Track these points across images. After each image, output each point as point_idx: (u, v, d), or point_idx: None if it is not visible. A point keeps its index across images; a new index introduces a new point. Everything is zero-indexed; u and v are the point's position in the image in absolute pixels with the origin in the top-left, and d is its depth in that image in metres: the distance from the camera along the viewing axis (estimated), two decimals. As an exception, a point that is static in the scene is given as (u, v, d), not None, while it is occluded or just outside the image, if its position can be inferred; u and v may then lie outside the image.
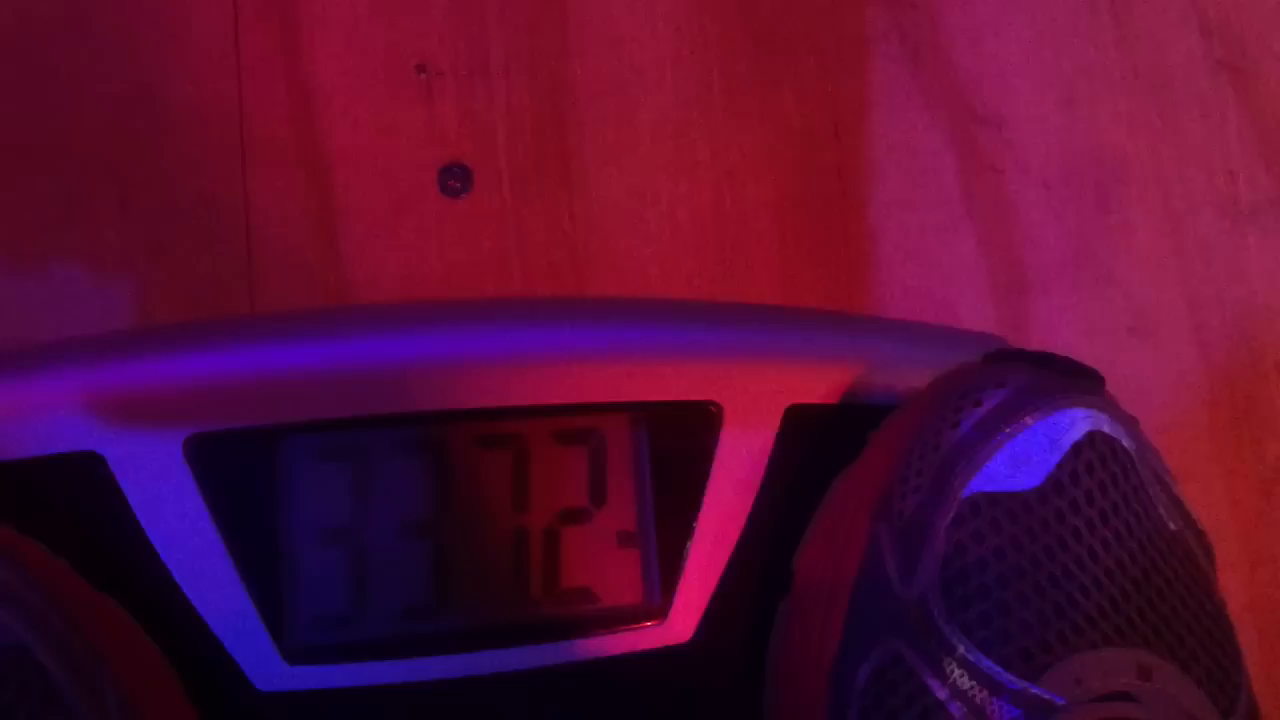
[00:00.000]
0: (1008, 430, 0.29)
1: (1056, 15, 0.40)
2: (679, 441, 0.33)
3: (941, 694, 0.28)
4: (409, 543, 0.31)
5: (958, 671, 0.28)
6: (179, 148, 0.33)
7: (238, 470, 0.30)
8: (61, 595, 0.26)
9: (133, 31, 0.33)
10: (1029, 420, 0.30)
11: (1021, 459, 0.29)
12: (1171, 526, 0.31)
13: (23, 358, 0.29)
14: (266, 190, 0.33)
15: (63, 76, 0.32)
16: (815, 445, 0.33)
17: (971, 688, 0.27)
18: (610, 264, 0.35)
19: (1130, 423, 0.31)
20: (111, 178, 0.32)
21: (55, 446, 0.28)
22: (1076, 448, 0.30)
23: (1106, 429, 0.30)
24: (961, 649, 0.28)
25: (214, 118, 0.33)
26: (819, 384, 0.34)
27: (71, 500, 0.29)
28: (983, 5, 0.39)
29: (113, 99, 0.33)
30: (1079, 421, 0.30)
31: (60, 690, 0.24)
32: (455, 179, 0.34)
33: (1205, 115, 0.40)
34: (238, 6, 0.33)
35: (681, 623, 0.32)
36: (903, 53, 0.38)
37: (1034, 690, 0.27)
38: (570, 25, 0.36)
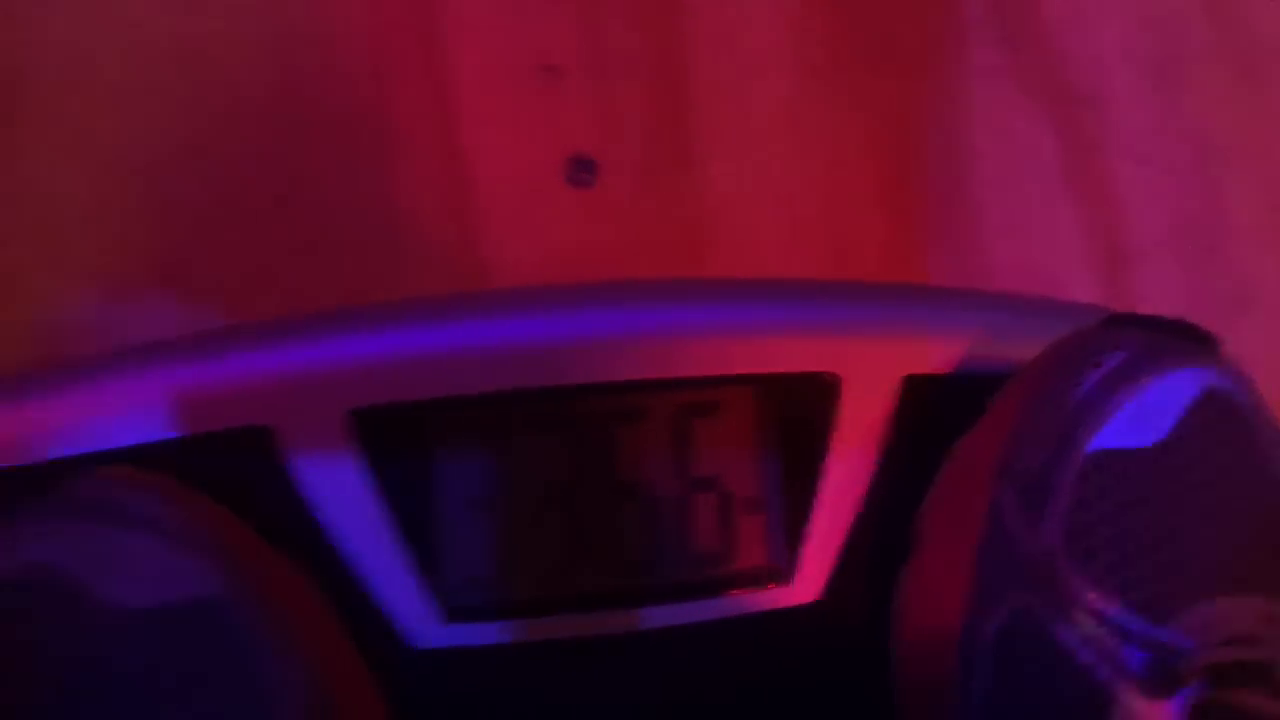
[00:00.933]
0: (1128, 389, 0.29)
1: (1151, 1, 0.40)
2: (800, 411, 0.33)
3: (1071, 642, 0.28)
4: (551, 509, 0.32)
5: (1085, 620, 0.28)
6: (330, 147, 0.34)
7: (396, 441, 0.31)
8: (251, 554, 0.27)
9: (285, 39, 0.34)
10: (1148, 380, 0.30)
11: (1142, 416, 0.29)
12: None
13: (198, 342, 0.31)
14: (409, 185, 0.34)
15: (223, 83, 0.34)
16: (932, 413, 0.33)
17: (1100, 635, 0.27)
18: (728, 246, 0.36)
19: (1245, 382, 0.31)
20: (267, 177, 0.34)
21: (229, 421, 0.30)
22: (1194, 405, 0.30)
23: (1223, 387, 0.30)
24: (1089, 598, 0.28)
25: (360, 118, 0.34)
26: (934, 355, 0.34)
27: (243, 471, 0.30)
28: (1078, -8, 0.39)
29: (268, 103, 0.34)
30: (1196, 380, 0.30)
31: (253, 642, 0.25)
32: (582, 170, 0.35)
33: (1301, 91, 0.40)
34: (382, 16, 0.34)
35: (808, 583, 0.33)
36: (1001, 38, 0.38)
37: (1161, 635, 0.27)
38: (685, 22, 0.36)
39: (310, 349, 0.31)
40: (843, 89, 0.37)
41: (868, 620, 0.33)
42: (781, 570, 0.33)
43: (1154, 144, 0.39)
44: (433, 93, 0.35)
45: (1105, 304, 0.37)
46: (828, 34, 0.37)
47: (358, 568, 0.30)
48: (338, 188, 0.34)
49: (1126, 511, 0.29)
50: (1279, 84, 0.40)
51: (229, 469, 0.29)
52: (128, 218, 0.33)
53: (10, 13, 0.33)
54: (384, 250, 0.34)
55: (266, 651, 0.25)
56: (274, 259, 0.34)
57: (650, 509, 0.33)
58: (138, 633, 0.24)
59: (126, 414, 0.29)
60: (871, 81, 0.37)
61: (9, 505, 0.25)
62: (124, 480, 0.26)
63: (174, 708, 0.24)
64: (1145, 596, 0.28)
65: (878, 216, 0.37)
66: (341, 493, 0.30)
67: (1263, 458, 0.30)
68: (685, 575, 0.33)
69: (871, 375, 0.33)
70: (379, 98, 0.34)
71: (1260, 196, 0.39)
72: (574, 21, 0.36)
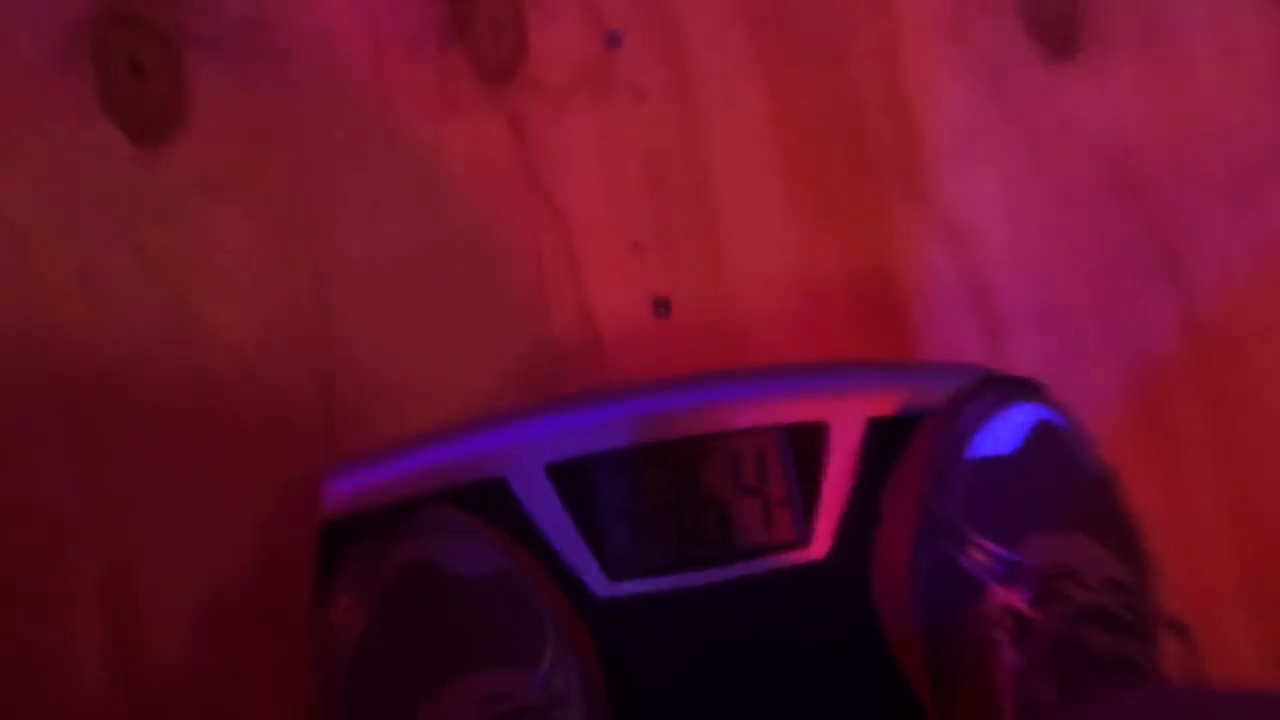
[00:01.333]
0: (991, 419, 0.51)
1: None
2: (807, 444, 0.54)
3: (967, 565, 0.49)
4: (664, 513, 0.53)
5: (974, 552, 0.49)
6: (508, 298, 0.56)
7: (572, 480, 0.52)
8: (511, 546, 0.48)
9: (485, 246, 0.56)
10: (1003, 413, 0.51)
11: (1001, 435, 0.51)
12: (1099, 471, 0.52)
13: (463, 432, 0.52)
14: (558, 322, 0.56)
15: (444, 272, 0.55)
16: (886, 439, 0.55)
17: (981, 559, 0.48)
18: (750, 351, 0.57)
19: (1065, 411, 0.52)
20: (492, 340, 0.55)
21: (484, 475, 0.51)
22: (1034, 429, 0.51)
23: (1050, 416, 0.51)
24: (975, 539, 0.49)
25: (526, 285, 0.56)
26: (887, 404, 0.55)
27: (494, 502, 0.51)
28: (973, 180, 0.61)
29: (470, 281, 0.55)
30: (1033, 412, 0.51)
31: (526, 593, 0.46)
32: (662, 308, 0.57)
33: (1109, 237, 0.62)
34: (541, 257, 0.56)
35: (820, 547, 0.54)
36: (913, 196, 0.60)
37: (1012, 556, 0.48)
38: (716, 209, 0.58)
39: (522, 434, 0.52)
40: (821, 240, 0.59)
41: (856, 567, 0.54)
42: (802, 540, 0.54)
43: (1023, 275, 0.60)
44: (568, 267, 0.56)
45: (988, 365, 0.58)
46: (810, 201, 0.58)
47: (559, 551, 0.51)
48: (516, 326, 0.56)
49: (994, 489, 0.50)
50: (1097, 217, 0.61)
51: (486, 504, 0.51)
52: (400, 367, 0.54)
53: (314, 226, 0.54)
54: (544, 362, 0.56)
55: (533, 598, 0.47)
56: (483, 377, 0.55)
57: (722, 508, 0.54)
58: (472, 590, 0.45)
59: (436, 474, 0.50)
60: (839, 230, 0.59)
61: (388, 530, 0.46)
62: (447, 510, 0.48)
63: (506, 632, 0.45)
64: (1005, 537, 0.49)
65: (847, 317, 0.59)
66: (546, 511, 0.51)
67: (1079, 459, 0.51)
68: (745, 545, 0.54)
69: (848, 419, 0.55)
70: (538, 273, 0.56)
71: (1093, 285, 0.61)
72: (649, 214, 0.57)
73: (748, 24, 0.60)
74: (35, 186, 0.52)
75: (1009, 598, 0.47)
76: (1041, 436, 0.51)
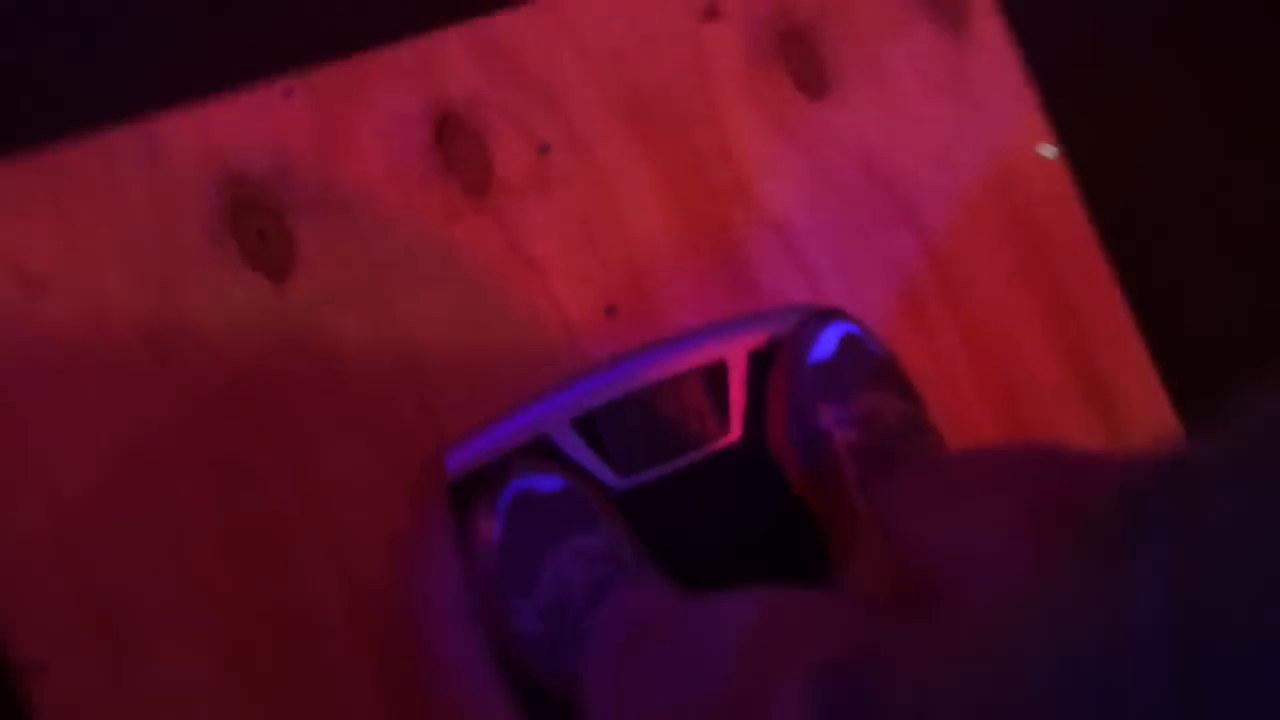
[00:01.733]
0: (818, 337, 0.87)
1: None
2: (716, 376, 0.90)
3: (821, 423, 0.85)
4: (640, 435, 0.88)
5: (822, 415, 0.85)
6: (520, 338, 0.89)
7: (587, 424, 0.86)
8: (565, 470, 0.82)
9: (502, 321, 0.89)
10: (823, 332, 0.87)
11: (825, 345, 0.87)
12: (885, 355, 0.89)
13: (514, 411, 0.85)
14: (554, 337, 0.89)
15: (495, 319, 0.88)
16: (762, 363, 0.90)
17: (827, 418, 0.85)
18: (668, 325, 0.92)
19: (864, 326, 0.89)
20: (511, 351, 0.88)
21: (536, 433, 0.85)
22: (843, 339, 0.87)
23: (852, 329, 0.88)
24: (821, 408, 0.85)
25: (531, 323, 0.89)
26: (758, 340, 0.90)
27: (545, 450, 0.85)
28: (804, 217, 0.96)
29: (517, 328, 0.89)
30: (842, 328, 0.87)
31: (588, 499, 0.81)
32: (611, 311, 0.91)
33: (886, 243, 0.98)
34: (530, 295, 0.89)
35: (735, 433, 0.89)
36: (746, 208, 0.95)
37: (844, 412, 0.84)
38: (628, 243, 0.92)
39: (551, 405, 0.86)
40: (697, 246, 0.93)
41: (759, 441, 0.90)
42: (725, 432, 0.90)
43: (817, 232, 0.96)
44: (548, 298, 0.90)
45: (811, 303, 0.94)
46: (689, 228, 0.93)
47: (587, 468, 0.86)
48: (523, 339, 0.89)
49: (827, 378, 0.86)
50: (860, 197, 0.98)
51: (543, 448, 0.85)
52: (464, 378, 0.87)
53: (391, 308, 0.87)
54: (544, 357, 0.89)
55: (587, 497, 0.81)
56: (512, 373, 0.88)
57: (676, 423, 0.89)
58: (555, 501, 0.79)
59: (508, 439, 0.83)
60: (706, 237, 0.94)
61: (494, 478, 0.80)
62: (524, 459, 0.81)
63: (578, 517, 0.79)
64: (838, 398, 0.85)
65: (722, 290, 0.94)
66: (574, 445, 0.86)
67: (871, 351, 0.88)
68: (692, 441, 0.89)
69: (736, 355, 0.90)
70: (530, 305, 0.89)
71: (865, 239, 0.97)
72: (592, 255, 0.91)
73: (624, 119, 0.93)
74: (218, 313, 0.83)
75: (846, 435, 0.84)
76: (848, 342, 0.88)
